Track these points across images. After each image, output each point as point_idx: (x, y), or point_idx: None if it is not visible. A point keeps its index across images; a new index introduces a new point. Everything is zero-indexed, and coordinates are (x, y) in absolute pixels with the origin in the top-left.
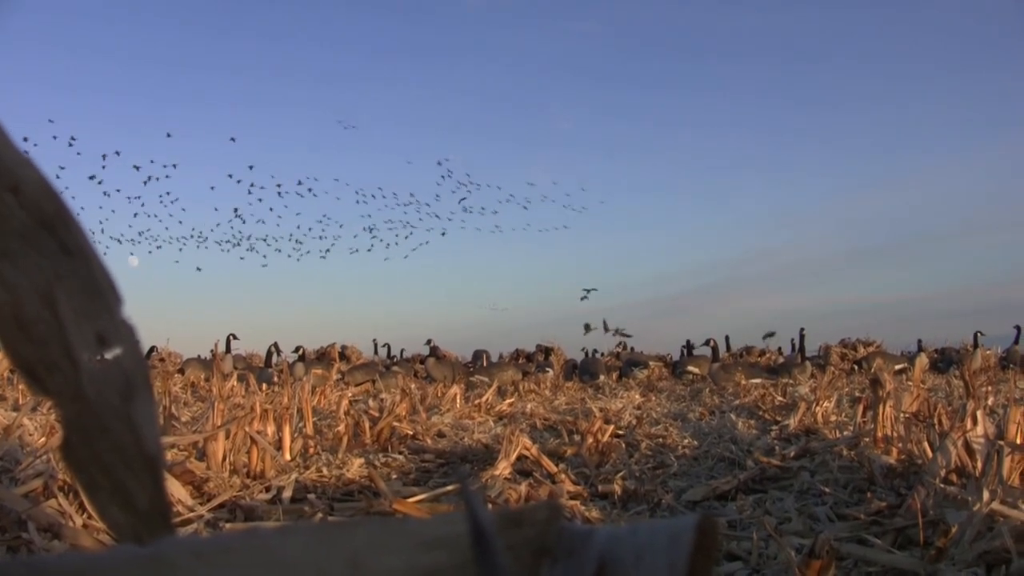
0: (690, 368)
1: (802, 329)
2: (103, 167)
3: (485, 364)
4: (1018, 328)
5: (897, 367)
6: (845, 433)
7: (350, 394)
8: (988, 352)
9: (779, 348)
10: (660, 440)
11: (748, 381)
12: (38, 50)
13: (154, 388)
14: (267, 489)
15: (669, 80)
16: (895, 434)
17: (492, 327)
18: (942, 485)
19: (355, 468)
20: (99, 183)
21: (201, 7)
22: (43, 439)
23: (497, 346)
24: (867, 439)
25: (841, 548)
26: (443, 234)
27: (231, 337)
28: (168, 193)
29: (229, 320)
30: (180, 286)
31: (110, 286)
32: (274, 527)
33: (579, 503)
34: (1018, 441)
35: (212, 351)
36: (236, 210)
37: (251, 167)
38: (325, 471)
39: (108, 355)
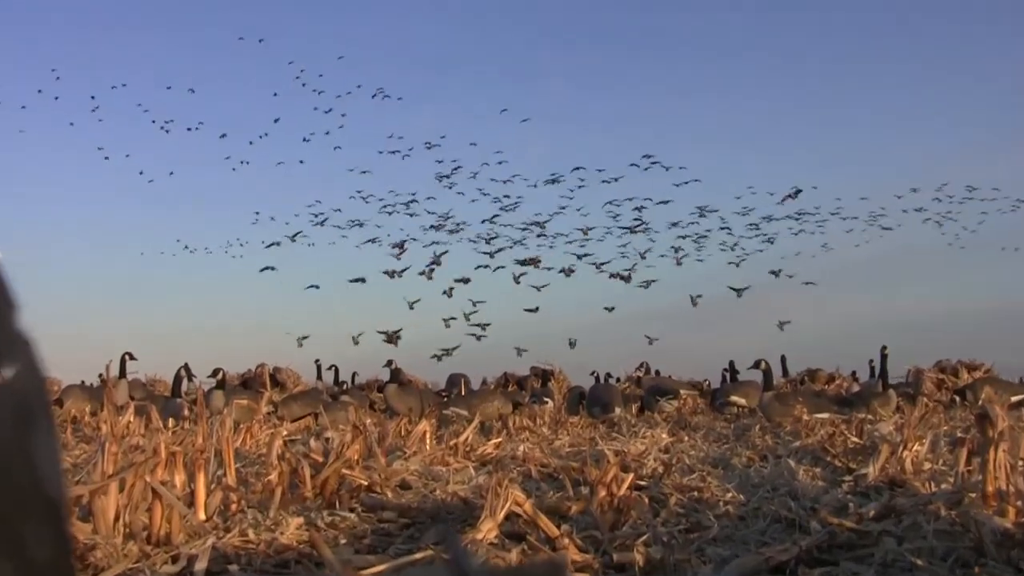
0: (734, 398)
1: (884, 347)
2: None
3: (463, 392)
4: None
5: (1014, 398)
6: (943, 486)
7: (285, 432)
8: None
9: (853, 373)
10: (695, 494)
11: (812, 416)
12: None
13: (55, 416)
14: (174, 559)
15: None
16: (1011, 488)
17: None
18: None
19: (292, 530)
20: None
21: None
22: None
23: (479, 369)
24: (973, 494)
25: None
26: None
27: (127, 357)
28: None
29: (124, 335)
30: (61, 289)
31: (2, 290)
32: None
33: None
34: None
35: (101, 376)
36: None
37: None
38: (252, 534)
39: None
